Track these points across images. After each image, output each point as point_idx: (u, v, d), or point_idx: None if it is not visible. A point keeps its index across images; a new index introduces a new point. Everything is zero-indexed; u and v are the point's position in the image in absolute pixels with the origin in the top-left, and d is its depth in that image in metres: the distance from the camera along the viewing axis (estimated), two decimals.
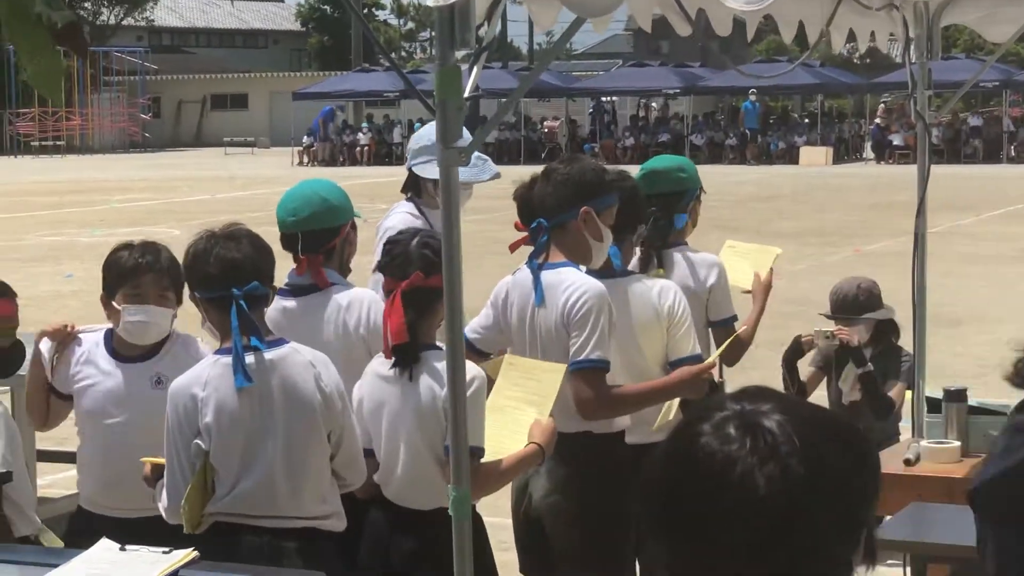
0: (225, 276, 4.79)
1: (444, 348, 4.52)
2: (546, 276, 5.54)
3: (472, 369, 4.79)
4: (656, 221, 6.38)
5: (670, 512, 1.97)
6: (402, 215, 6.54)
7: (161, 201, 34.71)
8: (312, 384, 4.81)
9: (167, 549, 4.36)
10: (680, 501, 1.95)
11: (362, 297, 5.49)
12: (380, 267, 5.13)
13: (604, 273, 5.71)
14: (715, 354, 5.60)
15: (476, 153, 6.63)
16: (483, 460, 4.83)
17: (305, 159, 53.53)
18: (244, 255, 4.81)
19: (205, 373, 4.84)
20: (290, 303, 5.48)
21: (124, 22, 75.19)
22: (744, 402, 1.99)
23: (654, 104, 57.30)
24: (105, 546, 4.41)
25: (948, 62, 37.17)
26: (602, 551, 5.55)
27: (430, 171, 6.44)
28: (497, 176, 6.71)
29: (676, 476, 1.97)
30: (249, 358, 4.77)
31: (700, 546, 1.94)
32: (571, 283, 5.47)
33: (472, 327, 5.68)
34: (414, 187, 6.78)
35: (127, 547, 4.37)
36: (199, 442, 4.79)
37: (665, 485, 1.98)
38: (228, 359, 4.78)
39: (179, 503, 4.78)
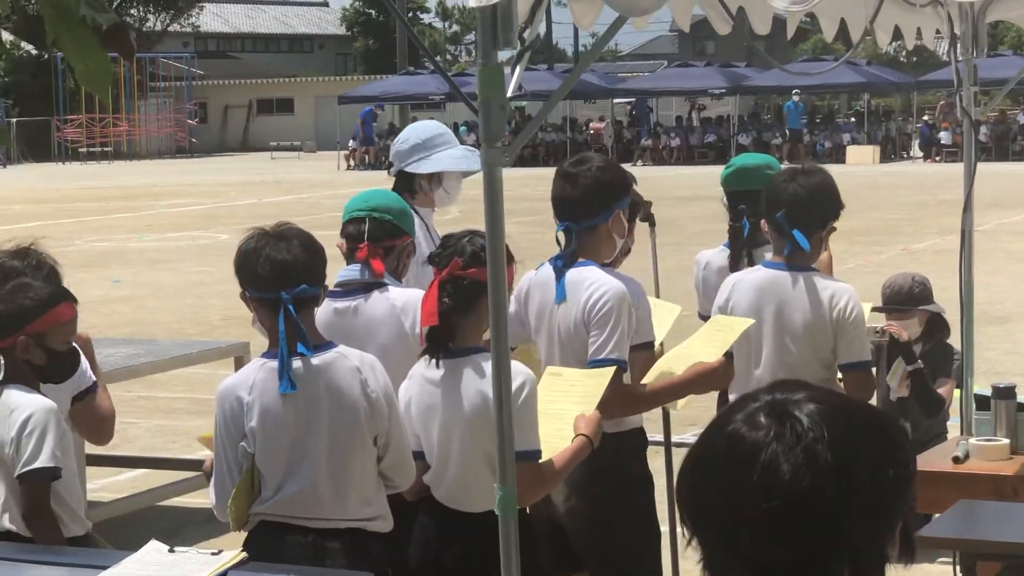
0: (274, 278, 4.76)
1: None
2: (568, 274, 5.54)
3: (522, 372, 4.81)
4: (748, 218, 6.46)
5: (698, 497, 2.00)
6: None
7: (208, 206, 34.83)
8: (358, 390, 4.81)
9: (216, 550, 4.39)
10: (707, 486, 1.98)
11: (418, 298, 5.35)
12: (431, 258, 5.13)
13: (788, 264, 5.76)
14: (725, 350, 5.61)
15: (465, 146, 6.64)
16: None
17: (351, 162, 53.54)
18: (294, 256, 4.79)
19: (252, 377, 4.85)
20: (342, 304, 5.44)
21: (170, 28, 75.47)
22: (777, 392, 2.03)
23: (691, 102, 57.05)
24: (154, 547, 4.43)
25: (995, 59, 36.94)
26: (625, 549, 5.56)
27: (426, 166, 6.42)
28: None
29: (705, 462, 2.01)
30: (295, 363, 4.78)
31: (725, 530, 1.95)
32: (593, 281, 5.48)
33: None
34: (407, 189, 6.49)
35: (176, 548, 4.40)
36: (245, 444, 4.82)
37: (695, 472, 2.01)
38: (274, 363, 4.78)
39: (226, 502, 4.82)
